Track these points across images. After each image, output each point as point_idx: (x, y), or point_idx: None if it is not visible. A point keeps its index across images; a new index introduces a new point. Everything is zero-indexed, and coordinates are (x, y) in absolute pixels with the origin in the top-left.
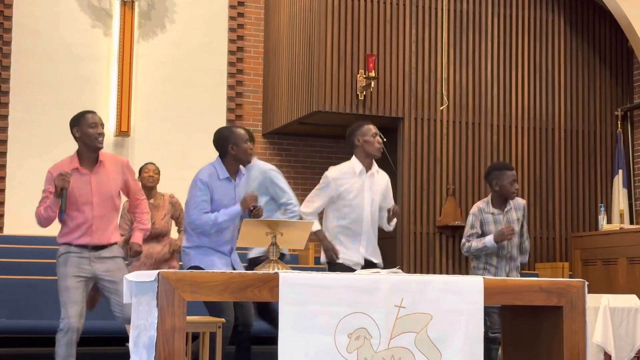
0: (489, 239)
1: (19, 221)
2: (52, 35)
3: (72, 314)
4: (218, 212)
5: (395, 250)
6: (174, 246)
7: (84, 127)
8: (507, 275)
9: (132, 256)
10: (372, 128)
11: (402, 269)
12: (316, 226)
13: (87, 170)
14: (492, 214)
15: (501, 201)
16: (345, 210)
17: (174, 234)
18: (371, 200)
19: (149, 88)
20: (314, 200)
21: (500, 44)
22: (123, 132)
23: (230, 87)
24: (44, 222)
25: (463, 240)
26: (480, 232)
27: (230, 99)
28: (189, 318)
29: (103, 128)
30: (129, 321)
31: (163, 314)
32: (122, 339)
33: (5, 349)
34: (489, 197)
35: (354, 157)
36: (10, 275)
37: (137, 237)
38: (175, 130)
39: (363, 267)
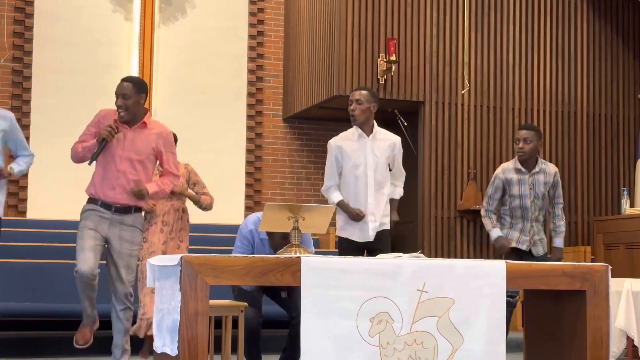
0: (493, 235)
1: (41, 205)
2: (74, 20)
3: (80, 260)
4: None
5: (415, 235)
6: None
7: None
8: (533, 237)
9: (133, 193)
10: (351, 94)
11: (423, 254)
12: (337, 197)
13: (126, 125)
14: (518, 172)
15: (525, 161)
16: (349, 177)
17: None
18: (375, 163)
19: (170, 73)
20: (327, 173)
21: (522, 27)
22: None
23: (250, 71)
24: (76, 159)
25: (485, 204)
26: (500, 195)
27: (250, 83)
28: (211, 302)
29: (124, 99)
30: (120, 301)
31: (186, 298)
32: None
33: (29, 332)
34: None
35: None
36: (34, 259)
37: (151, 186)
38: (196, 114)
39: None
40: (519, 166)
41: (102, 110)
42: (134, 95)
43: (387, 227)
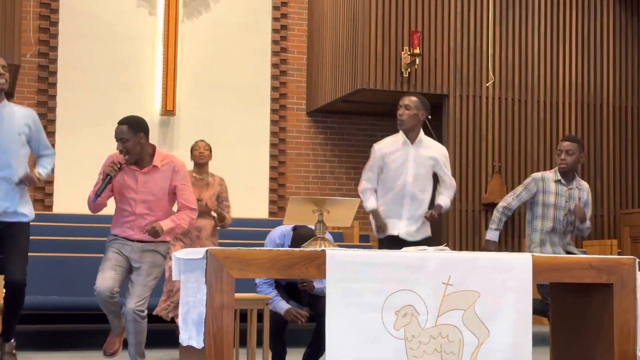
0: (489, 237)
1: (68, 200)
2: (98, 15)
3: (99, 279)
4: None
5: (440, 228)
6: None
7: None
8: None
9: (147, 231)
10: (401, 99)
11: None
12: (371, 204)
13: (137, 167)
14: (558, 183)
15: (567, 174)
16: (389, 182)
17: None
18: (414, 173)
19: (194, 68)
20: (366, 175)
21: (547, 18)
22: (168, 111)
23: (274, 65)
24: (91, 206)
25: (508, 199)
26: (528, 199)
27: (274, 77)
28: (236, 295)
29: (123, 143)
30: (128, 314)
31: (212, 291)
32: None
33: (57, 325)
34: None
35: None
36: (61, 253)
37: (166, 224)
38: (219, 108)
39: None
40: (559, 177)
41: (110, 156)
42: (132, 136)
43: (423, 240)
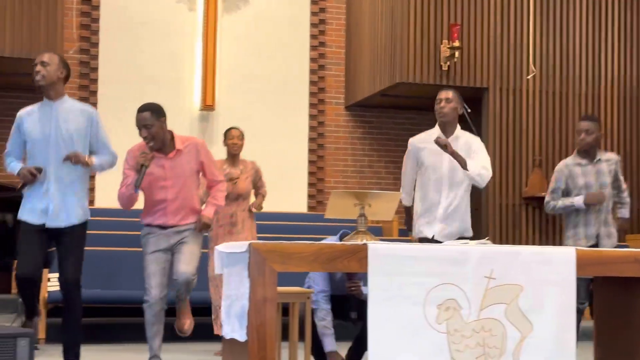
0: (579, 200)
1: (109, 194)
2: (139, 11)
3: (152, 285)
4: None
5: (480, 222)
6: (254, 206)
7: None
8: (599, 229)
9: (199, 229)
10: (439, 93)
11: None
12: (406, 202)
13: (162, 154)
14: (580, 164)
15: (587, 152)
16: (424, 176)
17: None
18: (449, 167)
19: (233, 62)
20: (402, 180)
21: (589, 10)
22: (208, 106)
23: (312, 59)
24: (124, 201)
25: (547, 198)
26: (563, 187)
27: (312, 71)
28: (278, 289)
29: (147, 129)
30: (182, 284)
31: (254, 284)
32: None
33: (100, 318)
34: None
35: (437, 123)
36: (104, 247)
37: (209, 211)
38: (258, 103)
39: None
40: (579, 159)
41: (129, 151)
42: (155, 121)
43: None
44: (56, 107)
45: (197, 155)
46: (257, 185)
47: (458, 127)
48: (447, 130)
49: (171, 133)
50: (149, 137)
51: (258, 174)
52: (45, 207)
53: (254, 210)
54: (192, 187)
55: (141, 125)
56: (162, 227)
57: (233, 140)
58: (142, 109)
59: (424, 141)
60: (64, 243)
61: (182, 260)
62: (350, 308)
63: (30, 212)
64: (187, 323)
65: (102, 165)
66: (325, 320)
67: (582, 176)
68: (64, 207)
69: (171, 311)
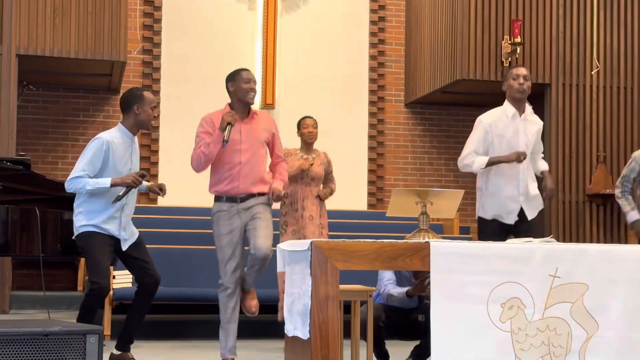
0: (631, 218)
1: (172, 193)
2: (199, 11)
3: (226, 271)
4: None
5: (543, 220)
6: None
7: (238, 82)
8: None
9: (275, 200)
10: (515, 70)
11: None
12: (482, 159)
13: (239, 120)
14: None
15: None
16: (500, 151)
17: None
18: (525, 144)
19: (292, 61)
20: (470, 144)
21: None
22: (268, 104)
23: (372, 57)
24: (203, 160)
25: (618, 184)
26: (636, 176)
27: (372, 69)
28: (340, 287)
29: (255, 85)
30: (261, 260)
31: (317, 282)
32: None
33: (163, 315)
34: None
35: (505, 101)
36: (166, 245)
37: (278, 184)
38: (318, 101)
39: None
40: None
41: (205, 117)
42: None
43: (539, 208)
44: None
45: (270, 125)
46: (328, 178)
47: (527, 104)
48: (520, 107)
49: None
50: (254, 91)
51: (330, 165)
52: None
53: (321, 196)
54: (263, 156)
55: (253, 78)
56: (232, 200)
57: (308, 129)
58: (247, 69)
59: (497, 118)
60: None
61: (260, 235)
62: (418, 311)
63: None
64: (255, 303)
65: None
66: (396, 289)
67: None
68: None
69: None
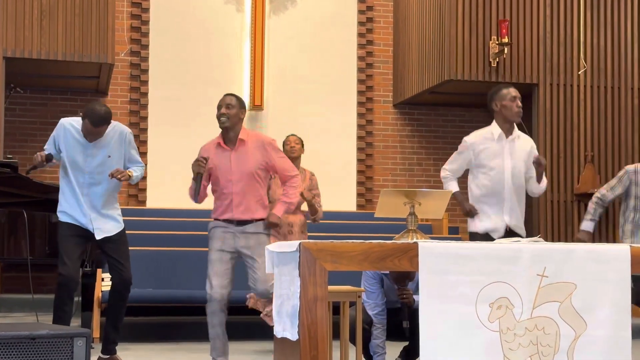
0: (584, 227)
1: (160, 194)
2: (187, 12)
3: (213, 285)
4: None
5: (531, 219)
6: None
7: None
8: None
9: (267, 226)
10: (511, 91)
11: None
12: (454, 187)
13: (228, 147)
14: None
15: None
16: (484, 178)
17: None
18: (512, 166)
19: (281, 62)
20: (451, 162)
21: None
22: (257, 106)
23: (360, 58)
24: (192, 199)
25: (604, 190)
26: (621, 192)
27: (360, 70)
28: (329, 288)
29: (227, 109)
30: (262, 296)
31: (305, 283)
32: None
33: (151, 317)
34: None
35: (493, 121)
36: (155, 247)
37: (278, 209)
38: (306, 102)
39: (505, 236)
40: None
41: (201, 148)
42: (237, 106)
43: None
44: None
45: (261, 149)
46: (313, 196)
47: (515, 126)
48: (508, 128)
49: (242, 129)
50: (226, 115)
51: (314, 186)
52: None
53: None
54: (258, 182)
55: (224, 103)
56: (229, 222)
57: (290, 145)
58: (230, 94)
59: (482, 140)
60: None
61: (260, 279)
62: (402, 317)
63: None
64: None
65: (138, 177)
66: (379, 339)
67: None
68: None
69: (231, 310)
